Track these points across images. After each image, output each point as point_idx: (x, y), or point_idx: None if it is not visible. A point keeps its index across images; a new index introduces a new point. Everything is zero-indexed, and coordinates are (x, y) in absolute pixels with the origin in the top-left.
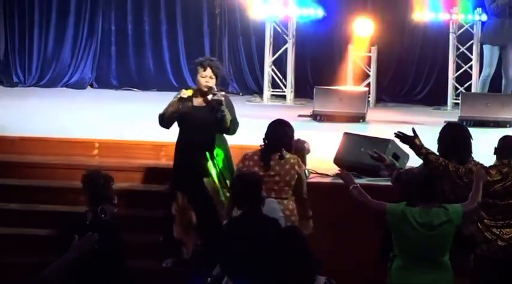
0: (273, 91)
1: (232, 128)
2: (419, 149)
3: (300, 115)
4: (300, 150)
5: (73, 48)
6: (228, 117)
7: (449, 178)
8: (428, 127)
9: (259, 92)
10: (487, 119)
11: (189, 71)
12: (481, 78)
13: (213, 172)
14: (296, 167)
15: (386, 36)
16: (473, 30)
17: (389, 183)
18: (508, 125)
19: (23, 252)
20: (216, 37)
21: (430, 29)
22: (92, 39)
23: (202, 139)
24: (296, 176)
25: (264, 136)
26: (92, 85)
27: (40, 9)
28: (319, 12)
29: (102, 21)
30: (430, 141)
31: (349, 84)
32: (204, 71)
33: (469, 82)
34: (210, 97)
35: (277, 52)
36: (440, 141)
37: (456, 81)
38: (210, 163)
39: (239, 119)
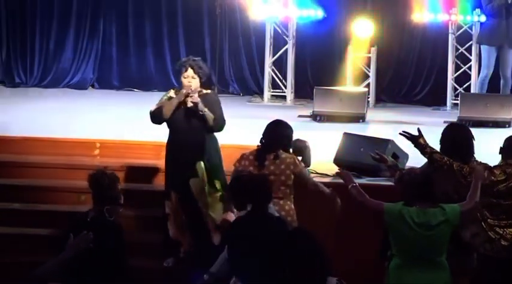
0: (273, 92)
1: (217, 126)
2: (423, 148)
3: (300, 116)
4: (299, 149)
5: (74, 48)
6: (210, 116)
7: (454, 178)
8: (427, 127)
9: (260, 93)
10: (486, 119)
11: (173, 72)
12: (479, 79)
13: (201, 172)
14: (292, 167)
15: (385, 37)
16: (472, 31)
17: (389, 183)
18: (507, 125)
19: (24, 252)
20: (217, 38)
21: (429, 30)
22: (93, 39)
23: (192, 140)
24: (292, 176)
25: (261, 136)
26: (93, 86)
27: (42, 10)
28: (319, 13)
29: (104, 21)
30: (430, 141)
31: (348, 84)
32: (186, 71)
33: (468, 83)
34: (189, 100)
35: (277, 53)
36: (442, 141)
37: (455, 82)
38: (199, 164)
39: (240, 119)
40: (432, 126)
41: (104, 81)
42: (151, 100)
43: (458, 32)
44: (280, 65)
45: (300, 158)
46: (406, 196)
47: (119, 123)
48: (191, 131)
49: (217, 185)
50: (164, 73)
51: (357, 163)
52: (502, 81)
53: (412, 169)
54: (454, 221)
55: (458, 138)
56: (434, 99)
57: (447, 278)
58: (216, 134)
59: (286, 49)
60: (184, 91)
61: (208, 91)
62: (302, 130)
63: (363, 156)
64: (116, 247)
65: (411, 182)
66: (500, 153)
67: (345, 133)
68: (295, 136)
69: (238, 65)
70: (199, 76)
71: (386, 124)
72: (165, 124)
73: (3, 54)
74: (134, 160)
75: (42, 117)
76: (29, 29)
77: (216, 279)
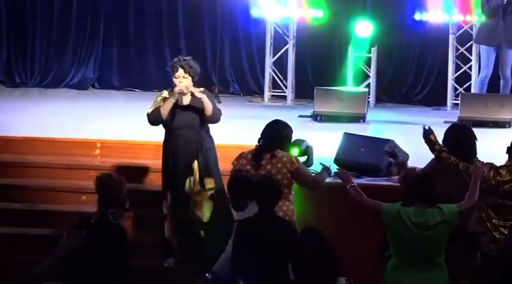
0: (273, 92)
1: (216, 116)
2: (433, 145)
3: (300, 116)
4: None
5: (75, 48)
6: (208, 104)
7: (457, 178)
8: None
9: (260, 93)
10: (486, 119)
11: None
12: (479, 79)
13: (196, 172)
14: (288, 165)
15: (386, 37)
16: (472, 31)
17: (388, 183)
18: (507, 125)
19: (24, 252)
20: (217, 38)
21: (429, 30)
22: (94, 39)
23: (188, 139)
24: (289, 174)
25: (259, 136)
26: (93, 86)
27: (42, 10)
28: (319, 13)
29: (104, 21)
30: None
31: (349, 84)
32: (177, 71)
33: (469, 83)
34: (183, 96)
35: (277, 53)
36: (444, 141)
37: (456, 82)
38: (194, 164)
39: (240, 119)
40: (432, 126)
41: (104, 81)
42: (152, 100)
43: (459, 32)
44: (280, 65)
45: (305, 158)
46: (406, 195)
47: (120, 123)
48: (187, 131)
49: (210, 184)
50: (164, 73)
51: (357, 163)
52: (502, 82)
53: (413, 169)
54: (452, 221)
55: (460, 138)
56: (435, 99)
57: (445, 279)
58: (217, 134)
59: (287, 49)
60: (177, 89)
61: (201, 89)
62: (302, 130)
63: (363, 156)
64: (118, 249)
65: (409, 182)
66: (507, 153)
67: (345, 133)
68: (295, 136)
69: (239, 65)
70: (190, 75)
71: (386, 124)
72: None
73: (3, 54)
74: (135, 160)
75: (43, 117)
76: (29, 29)
77: (218, 278)
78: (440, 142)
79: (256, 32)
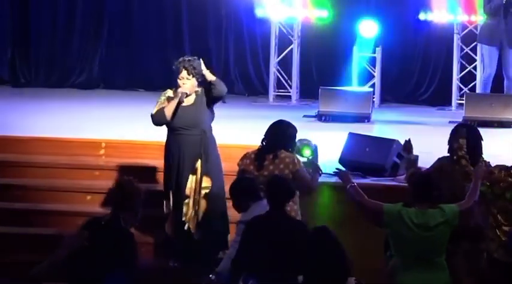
0: (278, 92)
1: (220, 88)
2: (459, 148)
3: (305, 116)
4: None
5: (79, 48)
6: (211, 77)
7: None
8: (432, 127)
9: (265, 93)
10: (491, 119)
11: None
12: (482, 78)
13: (198, 172)
14: (290, 166)
15: (390, 37)
16: (477, 31)
17: (393, 183)
18: (511, 125)
19: (30, 251)
20: (222, 38)
21: (434, 30)
22: (98, 39)
23: (191, 139)
24: (291, 175)
25: (263, 137)
26: (98, 86)
27: (47, 10)
28: (323, 13)
29: (109, 21)
30: (435, 141)
31: (354, 84)
32: (180, 73)
33: (473, 83)
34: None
35: (282, 53)
36: (450, 141)
37: (460, 82)
38: (197, 163)
39: (245, 119)
40: (437, 126)
41: (108, 81)
42: (156, 100)
43: (463, 32)
44: (285, 65)
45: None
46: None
47: (124, 123)
48: (190, 130)
49: (206, 183)
50: (169, 73)
51: (362, 163)
52: (505, 82)
53: (418, 169)
54: (453, 221)
55: (467, 138)
56: (440, 99)
57: (446, 279)
58: (221, 134)
59: (291, 49)
60: (180, 89)
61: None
62: (307, 130)
63: (368, 156)
64: (125, 253)
65: (411, 182)
66: None
67: (350, 133)
68: (300, 136)
69: (244, 65)
70: (194, 76)
71: (391, 124)
72: None
73: (8, 54)
74: (139, 160)
75: (47, 117)
76: (33, 29)
77: (222, 279)
78: (440, 141)
79: (260, 32)
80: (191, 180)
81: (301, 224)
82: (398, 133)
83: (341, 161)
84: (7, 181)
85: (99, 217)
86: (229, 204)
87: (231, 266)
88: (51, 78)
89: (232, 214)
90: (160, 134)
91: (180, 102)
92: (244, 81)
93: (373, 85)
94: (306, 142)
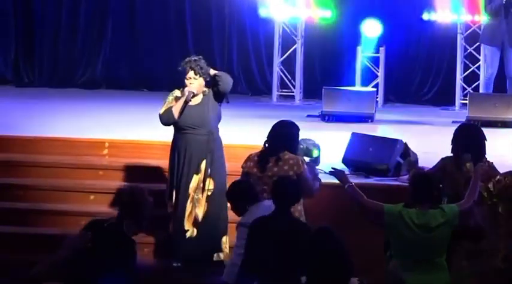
0: (281, 92)
1: (225, 78)
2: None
3: (308, 116)
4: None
5: (83, 48)
6: (213, 71)
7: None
8: (436, 127)
9: (268, 92)
10: (494, 119)
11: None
12: (484, 78)
13: (202, 172)
14: (295, 167)
15: (394, 36)
16: (480, 31)
17: (396, 183)
18: None
19: (33, 251)
20: (225, 37)
21: (437, 30)
22: (102, 39)
23: (197, 138)
24: (295, 177)
25: (265, 139)
26: (101, 86)
27: (50, 10)
28: (327, 13)
29: (112, 21)
30: (438, 141)
31: (357, 84)
32: (187, 73)
33: (477, 83)
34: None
35: (285, 53)
36: (454, 141)
37: (464, 82)
38: (202, 163)
39: (248, 119)
40: (441, 126)
41: (112, 81)
42: (160, 100)
43: (467, 32)
44: (288, 64)
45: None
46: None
47: (128, 123)
48: (197, 130)
49: (210, 185)
50: (173, 73)
51: (366, 163)
52: (508, 81)
53: (422, 168)
54: (454, 221)
55: (470, 138)
56: (443, 99)
57: (446, 279)
58: (224, 134)
59: (295, 49)
60: (187, 88)
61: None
62: (311, 130)
63: (372, 156)
64: (124, 258)
65: (411, 182)
66: None
67: (354, 133)
68: (303, 136)
69: (247, 65)
70: (201, 76)
71: (394, 124)
72: None
73: (11, 54)
74: (143, 160)
75: (51, 117)
76: (37, 29)
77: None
78: (444, 141)
79: (264, 32)
80: (194, 180)
81: (305, 225)
82: (401, 133)
83: (344, 161)
84: (10, 181)
85: (102, 219)
86: (230, 205)
87: (242, 271)
88: (54, 78)
89: (233, 215)
90: (164, 134)
91: (187, 101)
92: (248, 80)
93: (376, 85)
94: (312, 143)
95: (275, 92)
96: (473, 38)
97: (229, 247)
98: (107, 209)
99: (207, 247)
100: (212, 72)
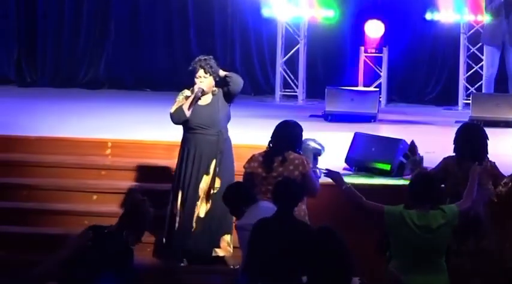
0: (284, 92)
1: (236, 79)
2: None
3: (311, 116)
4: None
5: (86, 48)
6: (222, 73)
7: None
8: (439, 127)
9: (271, 92)
10: (497, 119)
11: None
12: (484, 78)
13: (211, 172)
14: (300, 167)
15: (397, 36)
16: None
17: (399, 183)
18: None
19: (35, 251)
20: (228, 37)
21: (440, 30)
22: (105, 39)
23: (207, 140)
24: (300, 177)
25: (269, 139)
26: (104, 86)
27: (53, 10)
28: (330, 13)
29: (115, 21)
30: (441, 141)
31: (360, 84)
32: (197, 72)
33: (480, 83)
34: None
35: (288, 52)
36: (456, 140)
37: (467, 82)
38: (212, 163)
39: (251, 119)
40: (444, 126)
41: (115, 81)
42: (163, 100)
43: (470, 32)
44: (291, 64)
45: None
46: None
47: (130, 123)
48: (207, 130)
49: (217, 184)
50: (175, 73)
51: (368, 163)
52: (509, 81)
53: (423, 169)
54: (453, 221)
55: (473, 137)
56: (446, 99)
57: (446, 280)
58: (228, 134)
59: (298, 49)
60: (197, 86)
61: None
62: (314, 130)
63: (374, 156)
64: (121, 265)
65: (413, 183)
66: None
67: (356, 133)
68: (306, 136)
69: (250, 65)
70: (211, 75)
71: (397, 124)
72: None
73: (14, 54)
74: (146, 160)
75: (53, 117)
76: (40, 29)
77: None
78: (446, 140)
79: (267, 32)
80: (205, 180)
81: (307, 226)
82: (404, 133)
83: (347, 161)
84: (13, 180)
85: (102, 226)
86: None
87: (245, 273)
88: (57, 77)
89: None
90: (166, 134)
91: (197, 98)
92: (251, 80)
93: (379, 85)
94: (319, 142)
95: (278, 92)
96: (476, 37)
97: (234, 248)
98: (109, 209)
99: (205, 244)
100: (222, 73)
